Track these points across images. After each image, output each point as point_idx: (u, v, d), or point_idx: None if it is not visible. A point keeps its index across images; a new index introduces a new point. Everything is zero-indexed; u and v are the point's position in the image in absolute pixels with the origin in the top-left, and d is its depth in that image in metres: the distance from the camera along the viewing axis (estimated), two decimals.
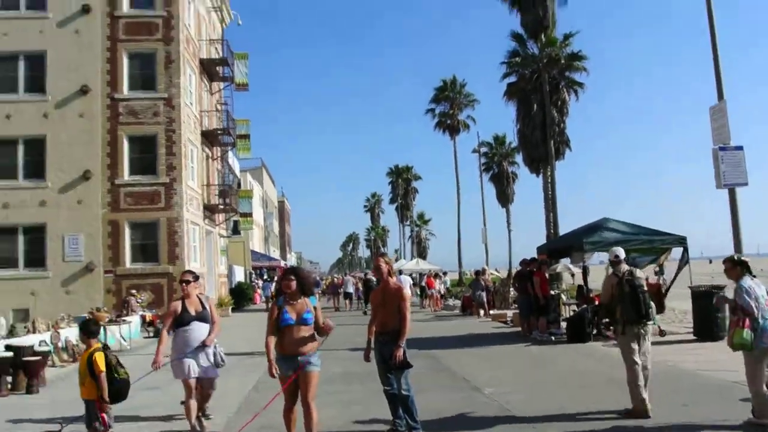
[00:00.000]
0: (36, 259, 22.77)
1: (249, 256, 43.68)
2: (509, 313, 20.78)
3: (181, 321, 7.04)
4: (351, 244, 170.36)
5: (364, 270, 57.56)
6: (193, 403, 6.95)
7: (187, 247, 24.04)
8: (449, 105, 51.64)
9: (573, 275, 27.06)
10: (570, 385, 9.19)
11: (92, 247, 22.89)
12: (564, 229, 29.39)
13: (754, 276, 6.86)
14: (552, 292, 16.93)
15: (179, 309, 7.07)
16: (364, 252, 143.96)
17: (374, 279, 7.23)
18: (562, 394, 8.51)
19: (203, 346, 7.03)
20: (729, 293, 8.16)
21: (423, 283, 32.98)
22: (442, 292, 31.62)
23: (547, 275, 17.08)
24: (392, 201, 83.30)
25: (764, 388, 6.48)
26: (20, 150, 23.17)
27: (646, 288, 7.57)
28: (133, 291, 21.12)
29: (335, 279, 43.13)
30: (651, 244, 14.34)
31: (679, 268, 14.63)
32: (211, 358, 7.16)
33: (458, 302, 28.18)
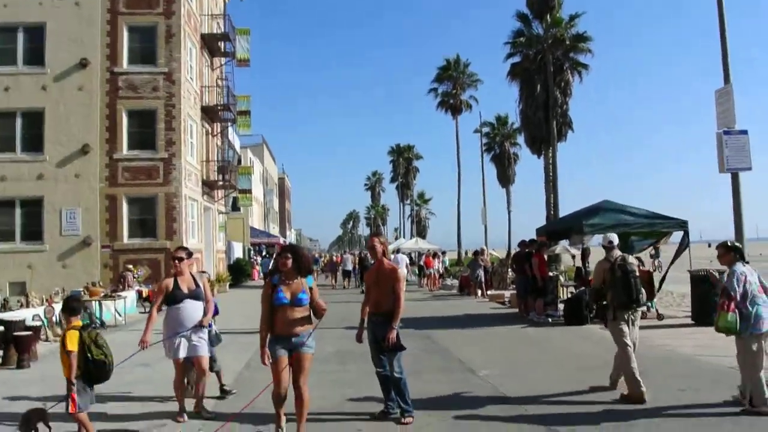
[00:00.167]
0: (33, 232, 22.67)
1: (248, 233, 43.63)
2: (507, 294, 20.74)
3: (173, 299, 6.82)
4: (351, 222, 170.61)
5: (364, 248, 57.48)
6: (183, 383, 6.88)
7: (185, 223, 23.94)
8: (452, 84, 51.22)
9: (573, 257, 26.99)
10: (566, 368, 9.13)
11: (90, 221, 22.79)
12: (564, 210, 29.30)
13: (747, 262, 6.84)
14: (550, 274, 16.87)
15: (171, 286, 6.85)
16: (364, 230, 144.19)
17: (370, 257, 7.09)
18: (557, 377, 8.45)
19: (198, 326, 6.82)
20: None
21: (421, 263, 32.94)
22: (441, 272, 31.59)
23: (545, 257, 17.00)
24: (393, 180, 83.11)
25: (762, 375, 6.44)
26: (18, 123, 22.97)
27: (638, 274, 7.57)
28: (129, 266, 21.05)
29: (334, 257, 43.06)
30: (651, 227, 14.23)
31: (679, 252, 14.52)
32: (205, 337, 6.94)
33: (456, 282, 28.15)
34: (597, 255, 19.11)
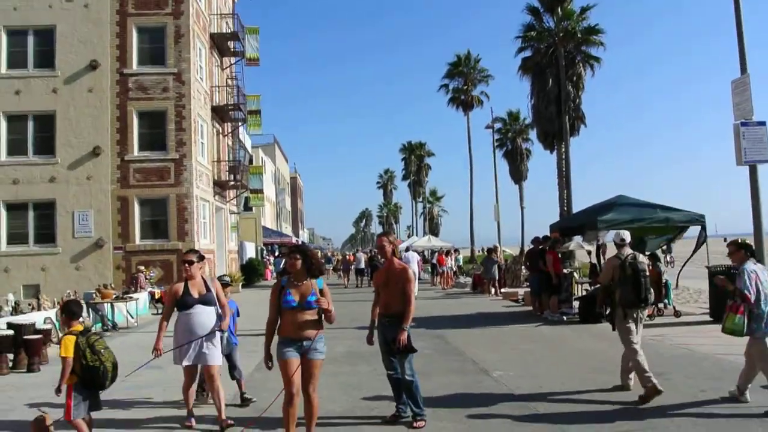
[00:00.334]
0: (46, 235, 22.81)
1: (260, 233, 43.65)
2: (520, 291, 20.52)
3: (183, 304, 6.51)
4: (364, 221, 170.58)
5: (374, 247, 57.30)
6: (192, 389, 6.69)
7: (197, 224, 23.92)
8: (463, 80, 50.86)
9: (589, 253, 26.70)
10: (581, 369, 8.94)
11: (102, 223, 22.84)
12: (577, 206, 29.00)
13: (759, 260, 6.86)
14: (564, 271, 16.64)
15: (180, 291, 6.54)
16: (376, 228, 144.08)
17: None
18: (572, 378, 8.26)
19: (212, 333, 6.49)
20: None
21: (434, 261, 32.74)
22: (454, 270, 31.38)
23: (559, 254, 16.78)
24: (405, 177, 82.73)
25: None
26: (30, 126, 23.11)
27: (648, 273, 7.49)
28: (141, 267, 21.03)
29: (347, 255, 42.97)
30: (667, 222, 13.96)
31: (697, 247, 14.24)
32: (217, 344, 6.58)
33: (469, 280, 27.94)
34: (613, 251, 18.86)
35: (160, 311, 18.94)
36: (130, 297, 16.82)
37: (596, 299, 13.78)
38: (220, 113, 28.89)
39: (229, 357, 7.44)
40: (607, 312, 7.89)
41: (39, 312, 13.14)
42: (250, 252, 39.05)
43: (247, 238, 39.53)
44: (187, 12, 23.92)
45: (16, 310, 13.15)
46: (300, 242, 59.85)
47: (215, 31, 28.34)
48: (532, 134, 44.80)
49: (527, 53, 34.38)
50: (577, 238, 23.50)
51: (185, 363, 6.48)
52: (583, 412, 6.68)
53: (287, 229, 65.83)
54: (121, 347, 12.86)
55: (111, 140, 23.17)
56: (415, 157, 79.00)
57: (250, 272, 33.72)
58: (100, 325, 15.41)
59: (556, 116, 32.56)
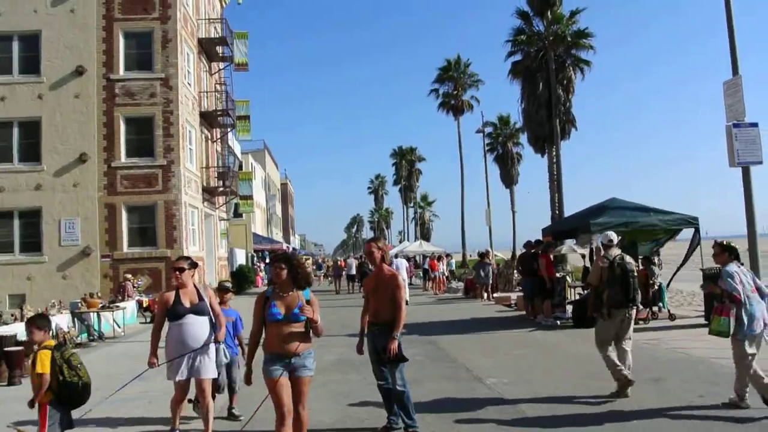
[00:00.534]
0: (32, 243, 22.48)
1: (251, 239, 43.34)
2: (513, 296, 20.36)
3: (174, 314, 6.11)
4: (355, 226, 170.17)
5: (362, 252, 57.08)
6: (180, 404, 6.35)
7: (186, 231, 23.65)
8: (453, 85, 50.84)
9: (583, 256, 26.59)
10: (576, 375, 8.74)
11: (89, 231, 22.54)
12: (569, 210, 28.91)
13: (742, 263, 6.81)
14: (557, 275, 16.50)
15: (171, 300, 6.15)
16: (368, 234, 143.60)
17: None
18: (567, 385, 8.07)
19: (206, 345, 6.11)
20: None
21: (426, 266, 32.54)
22: (446, 275, 31.19)
23: (552, 257, 16.64)
24: (396, 183, 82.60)
25: (758, 369, 6.45)
26: (15, 132, 22.82)
27: (636, 274, 7.63)
28: (129, 275, 20.72)
29: (338, 261, 42.74)
30: (661, 224, 13.83)
31: (690, 250, 14.10)
32: (211, 356, 6.20)
33: (461, 285, 27.76)
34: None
35: (148, 320, 18.67)
36: (117, 306, 16.53)
37: (588, 304, 13.74)
38: (208, 119, 28.66)
39: (228, 369, 7.10)
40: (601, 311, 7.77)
41: (22, 323, 12.82)
42: (241, 259, 38.75)
43: (238, 245, 39.22)
44: (174, 17, 23.69)
45: None
46: (291, 249, 59.58)
47: (203, 36, 28.12)
48: (523, 138, 44.79)
49: (517, 57, 34.31)
50: (569, 242, 23.43)
51: (178, 378, 6.09)
52: (576, 415, 6.54)
53: (278, 235, 65.50)
54: (107, 358, 12.62)
55: (98, 147, 22.89)
56: (406, 162, 78.89)
57: (241, 279, 33.32)
58: (86, 335, 15.11)
59: (547, 120, 32.47)
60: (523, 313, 16.61)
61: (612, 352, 7.33)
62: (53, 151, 22.59)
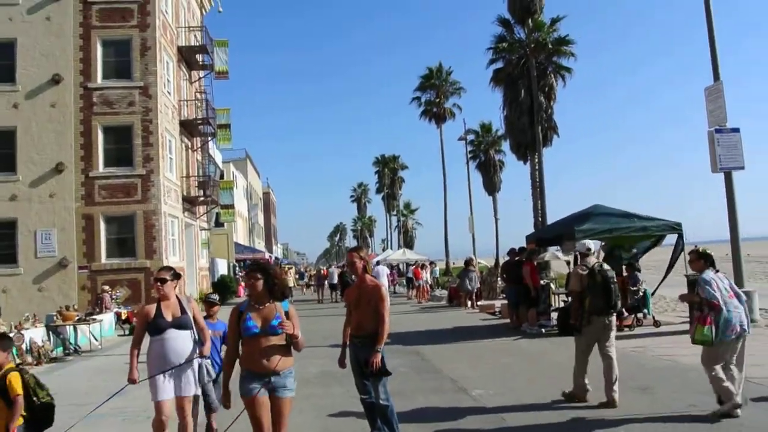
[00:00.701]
0: (7, 255, 21.97)
1: (233, 249, 42.93)
2: (497, 303, 20.23)
3: (155, 328, 5.71)
4: (338, 235, 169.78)
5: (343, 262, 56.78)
6: (163, 426, 5.70)
7: (166, 241, 23.28)
8: (435, 93, 51.05)
9: (568, 263, 26.54)
10: (563, 385, 8.55)
11: (66, 242, 22.09)
12: (552, 217, 28.90)
13: (717, 270, 6.83)
14: (542, 282, 16.39)
15: (152, 314, 5.75)
16: (351, 242, 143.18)
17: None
18: (553, 393, 7.90)
19: (189, 361, 5.73)
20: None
21: (410, 274, 32.36)
22: (430, 283, 31.01)
23: (536, 264, 16.53)
24: (378, 191, 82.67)
25: (721, 371, 6.50)
26: None
27: (615, 280, 7.77)
28: (106, 287, 20.29)
29: (321, 270, 42.45)
30: (644, 230, 13.75)
31: (674, 256, 14.04)
32: (194, 372, 5.82)
33: (445, 293, 27.60)
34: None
35: (127, 332, 18.30)
36: (94, 319, 16.16)
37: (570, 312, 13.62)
38: (188, 128, 28.33)
39: (206, 386, 6.53)
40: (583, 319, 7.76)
41: None
42: (222, 269, 38.34)
43: (219, 255, 38.80)
44: (153, 24, 23.40)
45: None
46: (274, 258, 59.11)
47: (183, 44, 27.82)
48: (505, 145, 45.01)
49: (499, 65, 34.48)
50: (552, 249, 23.39)
51: (163, 397, 5.63)
52: (562, 424, 6.39)
53: (260, 244, 65.04)
54: (83, 372, 12.29)
55: (75, 156, 22.47)
56: (389, 170, 78.91)
57: (223, 289, 32.86)
58: (61, 349, 14.74)
59: (529, 127, 32.59)
60: (508, 321, 16.47)
61: (586, 370, 7.56)
62: (29, 161, 22.15)
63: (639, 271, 14.47)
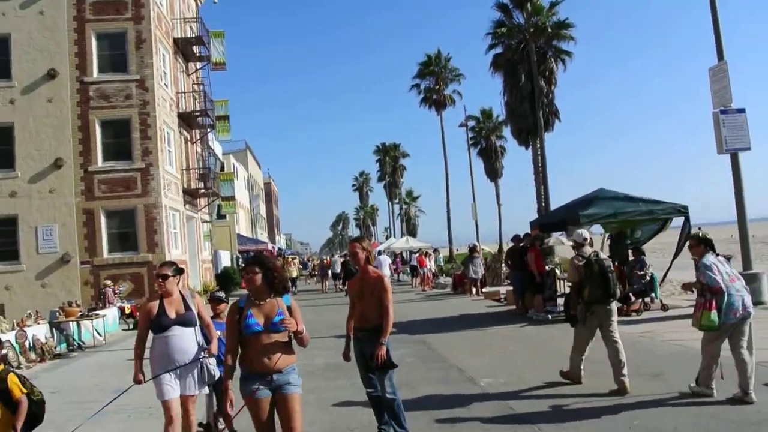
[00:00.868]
0: (9, 252, 21.88)
1: (235, 240, 42.82)
2: (503, 290, 20.10)
3: (158, 326, 5.49)
4: (341, 224, 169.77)
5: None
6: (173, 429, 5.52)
7: (167, 234, 23.16)
8: (434, 80, 50.58)
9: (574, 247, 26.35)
10: None
11: (67, 237, 21.99)
12: (555, 202, 28.75)
13: (717, 254, 6.86)
14: (547, 268, 16.26)
15: (155, 311, 5.54)
16: (354, 231, 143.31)
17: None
18: (563, 382, 7.79)
19: (195, 359, 5.52)
20: (735, 263, 8.46)
21: (414, 262, 32.24)
22: (434, 271, 30.89)
23: (540, 250, 16.39)
24: (380, 179, 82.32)
25: (716, 363, 6.62)
26: None
27: (613, 269, 7.79)
28: (108, 281, 20.19)
29: (324, 260, 42.36)
30: (650, 214, 13.58)
31: (682, 240, 13.84)
32: (199, 371, 5.60)
33: (450, 280, 27.49)
34: (598, 244, 18.35)
35: (131, 327, 18.21)
36: (96, 314, 16.05)
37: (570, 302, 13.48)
38: (187, 120, 28.13)
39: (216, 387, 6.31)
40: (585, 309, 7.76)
41: None
42: (225, 261, 38.24)
43: (222, 247, 38.70)
44: (148, 16, 23.16)
45: None
46: (277, 249, 59.06)
47: (179, 36, 27.57)
48: (506, 131, 44.70)
49: (498, 50, 34.09)
50: (556, 234, 23.24)
51: (170, 396, 5.44)
52: (573, 411, 6.31)
53: (263, 235, 64.95)
54: (85, 369, 12.19)
55: (74, 151, 22.32)
56: (390, 159, 78.60)
57: (226, 281, 32.77)
58: (65, 345, 14.65)
59: (530, 112, 32.30)
60: (514, 307, 16.36)
61: (583, 356, 7.72)
62: (27, 157, 21.99)
63: (645, 255, 14.32)
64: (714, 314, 6.37)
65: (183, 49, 28.34)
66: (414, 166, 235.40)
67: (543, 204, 31.61)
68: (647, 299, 13.81)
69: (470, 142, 48.53)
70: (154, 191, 22.74)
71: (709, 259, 6.66)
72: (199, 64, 31.03)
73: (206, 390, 5.95)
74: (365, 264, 5.86)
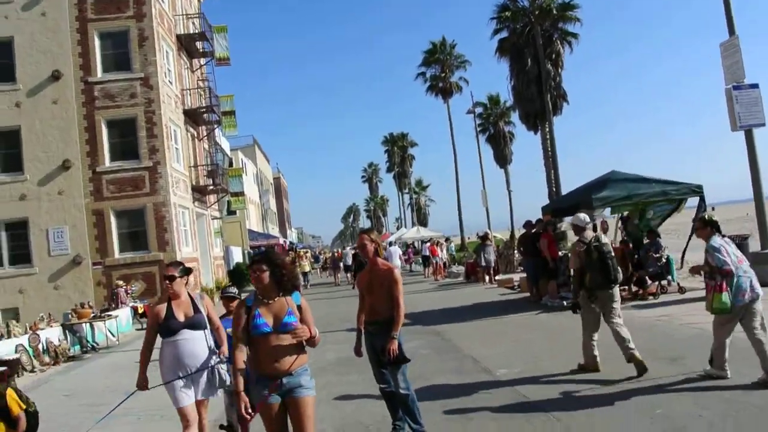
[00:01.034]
0: (21, 255, 21.88)
1: (246, 236, 42.81)
2: (516, 277, 19.91)
3: (166, 330, 5.32)
4: (352, 216, 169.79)
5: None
6: None
7: (177, 232, 23.11)
8: (440, 67, 50.20)
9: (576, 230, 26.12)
10: None
11: (78, 239, 21.97)
12: (566, 187, 28.46)
13: (724, 235, 6.82)
14: (560, 253, 16.05)
15: (163, 314, 5.37)
16: (364, 223, 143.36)
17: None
18: (582, 373, 7.64)
19: (206, 363, 5.39)
20: (752, 243, 8.15)
21: (426, 252, 32.09)
22: (446, 260, 30.71)
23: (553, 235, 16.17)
24: (389, 170, 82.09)
25: (727, 340, 6.58)
26: None
27: (613, 254, 7.77)
28: (120, 282, 20.18)
29: (335, 252, 42.29)
30: (665, 195, 13.34)
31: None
32: (213, 374, 5.48)
33: (462, 269, 27.32)
34: (614, 228, 18.03)
35: (144, 326, 18.19)
36: (109, 315, 16.03)
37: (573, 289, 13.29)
38: (193, 116, 28.04)
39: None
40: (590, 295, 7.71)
41: (9, 339, 12.35)
42: (237, 256, 38.27)
43: (233, 243, 38.70)
44: (149, 14, 23.02)
45: None
46: (288, 243, 59.04)
47: (181, 32, 27.43)
48: (514, 117, 44.32)
49: (503, 34, 33.74)
50: (569, 219, 22.92)
51: (187, 403, 5.29)
52: (589, 397, 6.11)
53: (274, 230, 64.98)
54: (99, 370, 12.16)
55: (81, 152, 22.27)
56: (398, 149, 78.34)
57: (239, 277, 32.81)
58: (78, 347, 14.63)
59: (537, 96, 31.98)
60: (528, 294, 16.19)
61: (594, 340, 7.64)
62: (35, 159, 21.98)
63: (660, 236, 14.08)
64: (726, 296, 6.33)
65: (186, 45, 28.22)
66: (422, 155, 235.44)
67: (554, 188, 31.33)
68: (664, 282, 13.59)
69: (478, 129, 48.13)
70: (163, 189, 22.68)
71: (717, 241, 6.62)
72: (203, 60, 30.91)
73: (220, 392, 5.80)
74: (374, 256, 5.71)
